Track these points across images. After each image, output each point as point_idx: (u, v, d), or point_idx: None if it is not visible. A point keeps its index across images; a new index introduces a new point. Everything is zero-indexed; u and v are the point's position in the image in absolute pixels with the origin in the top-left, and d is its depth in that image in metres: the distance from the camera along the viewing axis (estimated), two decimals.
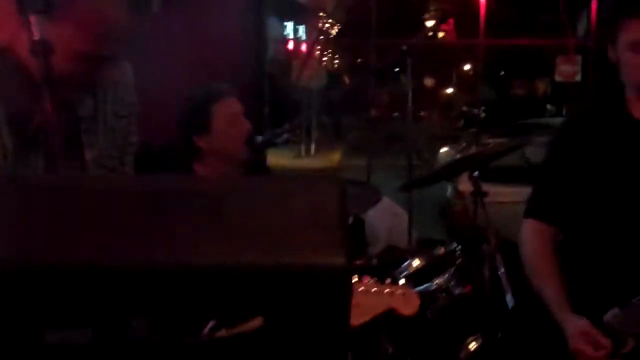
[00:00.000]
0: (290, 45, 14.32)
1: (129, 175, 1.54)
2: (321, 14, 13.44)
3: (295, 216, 0.80)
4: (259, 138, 2.91)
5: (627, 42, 2.04)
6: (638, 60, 2.04)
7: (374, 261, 2.82)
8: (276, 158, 13.61)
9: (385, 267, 2.83)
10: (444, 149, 10.18)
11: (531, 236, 2.16)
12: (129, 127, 1.61)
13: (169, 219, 0.79)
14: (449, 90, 21.80)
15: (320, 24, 13.56)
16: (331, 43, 14.72)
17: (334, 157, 14.94)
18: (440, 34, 14.90)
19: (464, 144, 10.38)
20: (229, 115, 2.81)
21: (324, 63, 14.72)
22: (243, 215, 0.80)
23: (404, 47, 3.38)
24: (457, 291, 2.39)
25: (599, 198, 2.12)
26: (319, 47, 14.20)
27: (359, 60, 16.62)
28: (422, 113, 17.61)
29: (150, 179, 0.86)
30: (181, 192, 0.82)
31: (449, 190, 6.44)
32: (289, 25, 15.18)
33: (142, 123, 3.67)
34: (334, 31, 14.60)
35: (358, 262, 2.57)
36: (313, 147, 16.29)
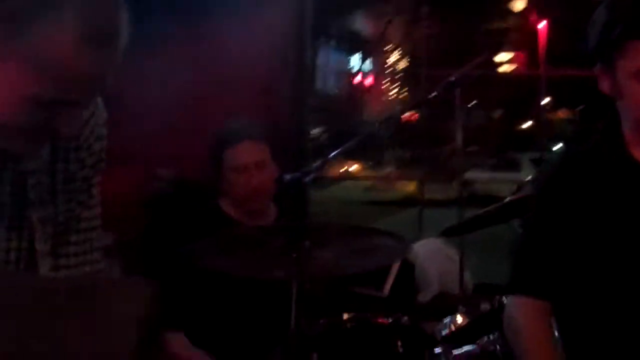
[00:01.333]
0: (358, 79, 14.16)
1: None
2: (388, 46, 13.24)
3: None
4: (287, 177, 2.65)
5: (632, 70, 1.62)
6: None
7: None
8: (348, 190, 13.50)
9: (434, 315, 2.64)
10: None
11: (524, 320, 1.74)
12: (93, 178, 1.43)
13: None
14: (527, 124, 21.17)
15: (386, 57, 13.35)
16: (398, 76, 14.48)
17: (410, 188, 14.65)
18: (508, 67, 14.47)
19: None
20: (235, 165, 2.63)
21: (393, 96, 14.49)
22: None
23: (452, 78, 3.08)
24: (502, 355, 2.03)
25: (600, 262, 1.72)
26: (387, 80, 13.98)
27: (433, 94, 16.23)
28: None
29: None
30: None
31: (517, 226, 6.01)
32: (354, 58, 15.04)
33: (174, 155, 3.36)
34: (402, 64, 14.35)
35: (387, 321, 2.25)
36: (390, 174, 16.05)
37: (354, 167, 14.12)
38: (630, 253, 1.69)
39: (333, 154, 2.84)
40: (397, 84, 14.76)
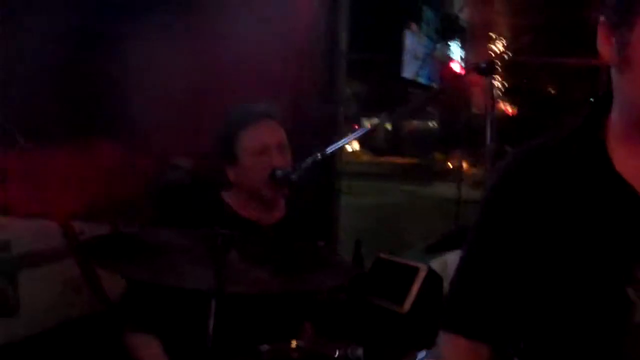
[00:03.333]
0: (457, 68, 13.56)
1: None
2: (493, 35, 12.57)
3: None
4: (279, 172, 2.37)
5: None
6: None
7: None
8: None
9: None
10: None
11: None
12: None
13: None
14: None
15: (492, 46, 12.68)
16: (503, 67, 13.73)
17: None
18: None
19: None
20: (254, 145, 2.42)
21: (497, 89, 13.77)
22: None
23: None
24: None
25: (562, 299, 1.28)
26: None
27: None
28: None
29: None
30: None
31: None
32: (454, 47, 14.40)
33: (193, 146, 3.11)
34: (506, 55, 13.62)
35: None
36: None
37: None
38: (597, 289, 1.25)
39: (331, 148, 2.52)
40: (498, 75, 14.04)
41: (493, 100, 2.85)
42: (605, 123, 1.33)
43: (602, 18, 1.29)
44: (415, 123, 24.21)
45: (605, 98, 1.33)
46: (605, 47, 1.27)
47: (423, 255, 3.39)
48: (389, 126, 22.75)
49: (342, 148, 2.74)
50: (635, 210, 1.26)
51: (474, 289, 1.35)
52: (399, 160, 21.14)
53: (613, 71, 1.29)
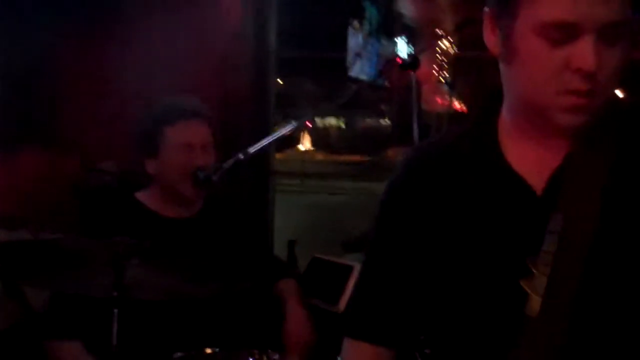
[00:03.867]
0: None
1: None
2: (438, 31, 12.62)
3: None
4: (201, 174, 2.33)
5: (540, 21, 1.17)
6: (553, 54, 1.18)
7: None
8: None
9: None
10: None
11: None
12: None
13: None
14: None
15: (438, 43, 12.72)
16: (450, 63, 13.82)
17: None
18: None
19: None
20: (179, 142, 2.41)
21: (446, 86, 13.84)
22: None
23: None
24: None
25: (460, 296, 1.29)
26: (438, 68, 13.37)
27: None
28: None
29: None
30: None
31: None
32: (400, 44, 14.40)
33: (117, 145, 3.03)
34: (452, 51, 13.69)
35: None
36: None
37: None
38: (492, 283, 1.27)
39: (254, 147, 2.48)
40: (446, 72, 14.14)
41: (418, 96, 2.83)
42: (498, 118, 1.32)
43: (485, 8, 1.27)
44: (369, 121, 24.24)
45: (498, 93, 1.32)
46: (490, 38, 1.27)
47: (342, 253, 3.37)
48: (342, 124, 22.71)
49: (278, 146, 2.70)
50: (528, 203, 1.26)
51: (375, 294, 1.36)
52: (353, 158, 21.13)
53: (500, 64, 1.28)
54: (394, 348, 1.35)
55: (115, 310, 1.59)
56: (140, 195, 2.52)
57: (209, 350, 1.90)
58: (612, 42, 1.18)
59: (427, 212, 1.30)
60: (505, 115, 1.31)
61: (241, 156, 2.39)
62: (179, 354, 1.91)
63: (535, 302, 1.22)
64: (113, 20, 3.39)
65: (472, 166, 1.30)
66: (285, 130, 2.49)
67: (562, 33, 1.16)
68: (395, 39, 14.81)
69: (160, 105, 2.48)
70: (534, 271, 1.23)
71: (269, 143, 2.46)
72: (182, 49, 3.46)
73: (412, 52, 2.65)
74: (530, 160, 1.28)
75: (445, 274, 1.29)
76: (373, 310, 1.34)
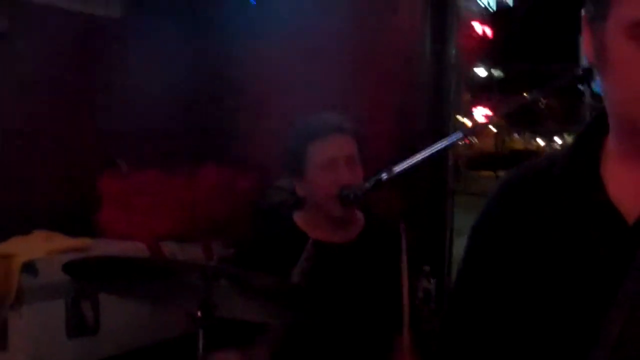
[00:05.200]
0: None
1: None
2: None
3: None
4: (345, 192, 2.24)
5: (626, 23, 0.97)
6: None
7: None
8: None
9: None
10: None
11: None
12: None
13: None
14: None
15: None
16: None
17: None
18: None
19: None
20: (321, 159, 2.29)
21: None
22: None
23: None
24: None
25: (538, 335, 1.11)
26: None
27: None
28: None
29: None
30: None
31: None
32: None
33: None
34: None
35: None
36: None
37: None
38: (570, 325, 1.08)
39: (399, 167, 2.34)
40: None
41: None
42: (604, 140, 1.13)
43: (582, 10, 1.09)
44: None
45: (604, 114, 1.13)
46: (586, 45, 1.08)
47: None
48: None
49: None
50: (617, 234, 1.05)
51: (461, 324, 1.23)
52: None
53: (598, 77, 1.09)
54: None
55: (200, 331, 1.56)
56: (297, 216, 2.42)
57: None
58: None
59: (515, 242, 1.16)
60: (610, 137, 1.11)
61: (384, 176, 2.26)
62: None
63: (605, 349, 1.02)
64: (291, 35, 3.44)
65: (565, 191, 1.13)
66: (440, 144, 2.32)
67: None
68: None
69: (302, 124, 2.42)
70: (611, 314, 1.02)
71: (422, 159, 2.30)
72: (356, 62, 3.42)
73: None
74: (632, 186, 1.08)
75: (526, 309, 1.13)
76: (458, 341, 1.23)
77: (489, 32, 5.79)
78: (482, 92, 11.79)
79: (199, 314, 1.54)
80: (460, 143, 2.49)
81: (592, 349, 1.02)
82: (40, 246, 2.55)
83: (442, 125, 3.36)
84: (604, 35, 1.02)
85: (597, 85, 1.11)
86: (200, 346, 1.56)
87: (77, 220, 2.86)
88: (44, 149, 3.10)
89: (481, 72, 11.83)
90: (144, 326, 2.76)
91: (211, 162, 3.33)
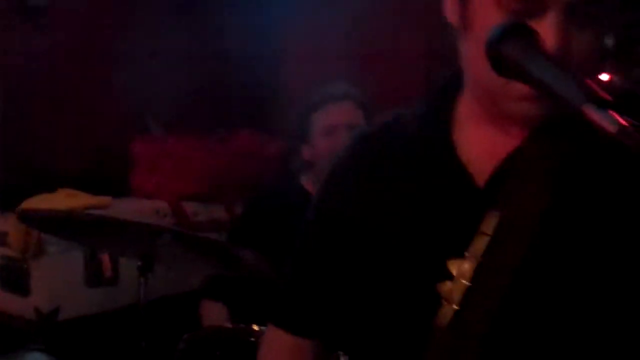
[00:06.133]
0: None
1: None
2: None
3: None
4: None
5: None
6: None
7: None
8: None
9: None
10: None
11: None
12: None
13: None
14: None
15: None
16: None
17: None
18: None
19: None
20: (323, 125, 2.48)
21: None
22: None
23: None
24: None
25: (379, 296, 1.14)
26: None
27: None
28: None
29: None
30: None
31: None
32: None
33: None
34: None
35: None
36: None
37: None
38: (411, 285, 1.10)
39: None
40: None
41: None
42: (457, 100, 1.15)
43: None
44: None
45: (460, 74, 1.15)
46: (451, 4, 1.07)
47: None
48: None
49: None
50: (466, 197, 1.08)
51: (299, 282, 1.24)
52: None
53: (459, 38, 1.10)
54: (313, 340, 1.26)
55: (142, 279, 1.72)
56: (304, 180, 2.58)
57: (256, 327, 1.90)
58: (582, 24, 0.97)
59: (360, 200, 1.17)
60: (464, 98, 1.13)
61: None
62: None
63: (447, 311, 1.06)
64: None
65: (416, 152, 1.14)
66: None
67: (524, 5, 0.97)
68: None
69: (311, 93, 2.54)
70: (454, 276, 1.06)
71: None
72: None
73: None
74: (483, 149, 1.09)
75: (369, 270, 1.15)
76: (298, 300, 1.25)
77: None
78: None
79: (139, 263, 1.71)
80: None
81: (438, 310, 1.04)
82: (63, 202, 2.76)
83: None
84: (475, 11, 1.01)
85: None
86: (142, 292, 1.72)
87: (102, 181, 3.07)
88: (72, 114, 3.31)
89: None
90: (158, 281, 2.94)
91: (244, 128, 3.48)
